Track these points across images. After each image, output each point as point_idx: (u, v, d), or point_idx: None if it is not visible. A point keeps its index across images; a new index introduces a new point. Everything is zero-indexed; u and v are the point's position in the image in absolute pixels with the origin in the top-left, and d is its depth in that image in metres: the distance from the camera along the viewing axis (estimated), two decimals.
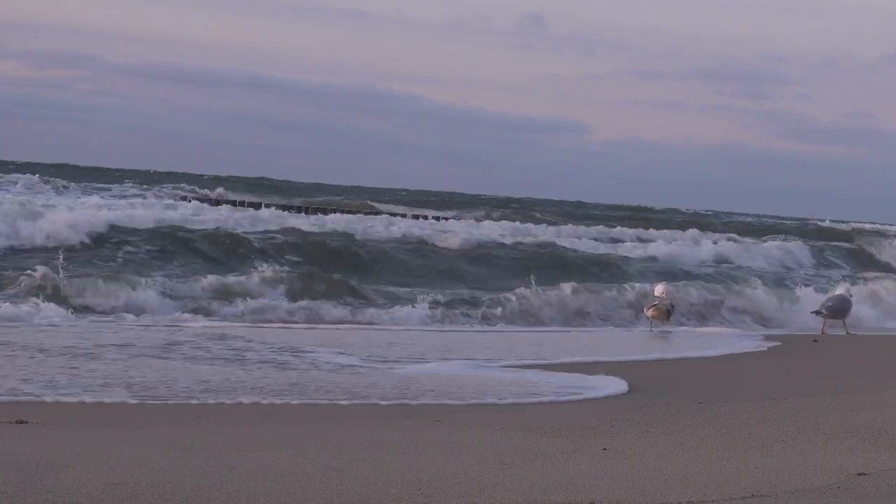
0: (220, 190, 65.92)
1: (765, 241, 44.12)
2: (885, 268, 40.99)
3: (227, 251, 27.91)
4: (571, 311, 23.50)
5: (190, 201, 51.16)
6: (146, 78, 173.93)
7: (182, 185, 67.87)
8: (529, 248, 34.38)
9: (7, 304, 18.60)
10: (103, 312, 19.66)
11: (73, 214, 28.76)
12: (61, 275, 20.81)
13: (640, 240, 43.65)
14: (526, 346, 17.91)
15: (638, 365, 15.43)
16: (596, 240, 42.40)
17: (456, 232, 36.54)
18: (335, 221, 38.43)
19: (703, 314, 24.82)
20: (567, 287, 24.15)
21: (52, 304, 19.01)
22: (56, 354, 13.79)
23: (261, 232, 31.95)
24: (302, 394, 11.64)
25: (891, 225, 71.08)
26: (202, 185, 68.93)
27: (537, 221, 50.04)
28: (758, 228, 59.49)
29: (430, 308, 21.95)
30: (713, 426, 9.20)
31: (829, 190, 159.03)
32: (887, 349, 19.79)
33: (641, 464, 7.58)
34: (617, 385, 12.83)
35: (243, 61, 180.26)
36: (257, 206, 49.16)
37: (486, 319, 22.12)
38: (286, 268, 24.86)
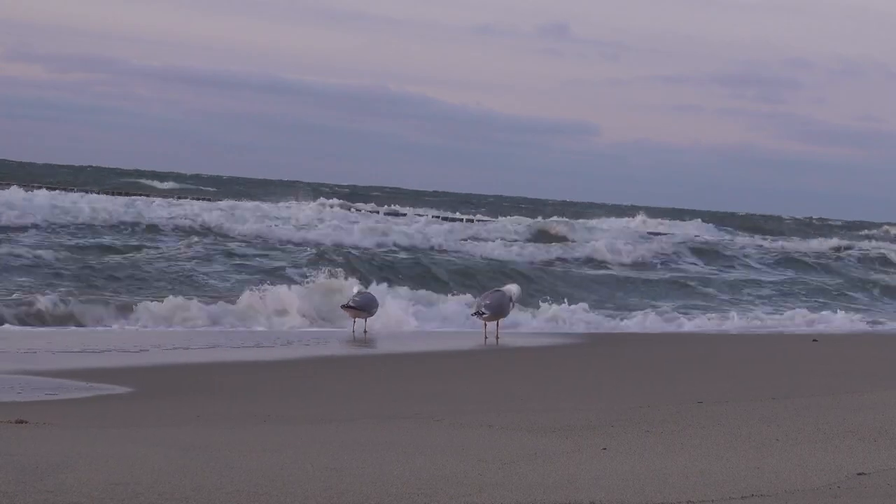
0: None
1: None
2: None
3: None
4: None
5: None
6: (163, 80, 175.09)
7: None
8: None
9: None
10: None
11: None
12: None
13: None
14: None
15: None
16: None
17: None
18: None
19: None
20: None
21: None
22: None
23: None
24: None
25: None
26: (221, 186, 69.03)
27: None
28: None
29: None
30: (713, 426, 9.19)
31: (831, 190, 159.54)
32: (887, 349, 19.79)
33: (641, 463, 7.58)
34: None
35: (256, 64, 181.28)
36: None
37: None
38: None
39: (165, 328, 19.57)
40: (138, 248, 31.12)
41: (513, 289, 18.88)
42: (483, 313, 18.43)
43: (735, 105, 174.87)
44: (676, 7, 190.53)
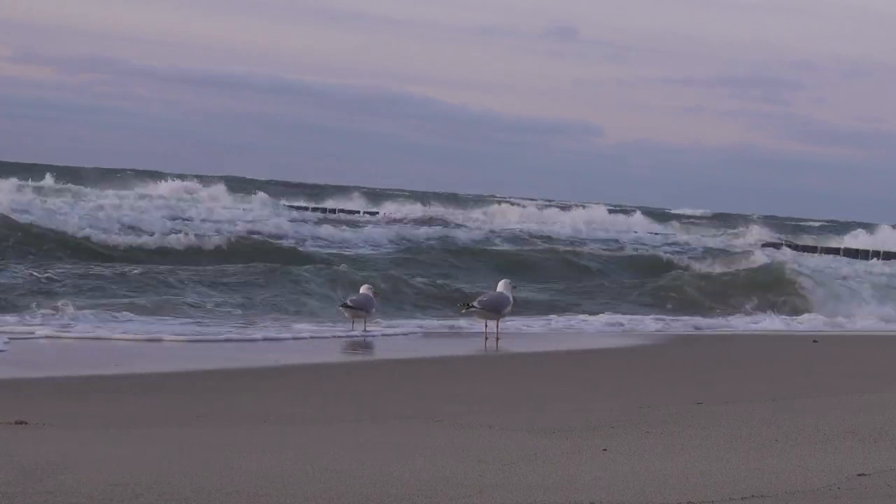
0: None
1: None
2: None
3: None
4: None
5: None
6: (163, 80, 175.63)
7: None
8: None
9: None
10: None
11: None
12: None
13: None
14: None
15: None
16: None
17: None
18: None
19: None
20: None
21: None
22: None
23: None
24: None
25: None
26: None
27: None
28: None
29: None
30: (713, 427, 9.19)
31: (831, 190, 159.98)
32: (887, 350, 19.80)
33: (641, 464, 7.58)
34: None
35: (256, 64, 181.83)
36: None
37: None
38: None
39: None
40: None
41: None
42: (474, 306, 18.22)
43: (736, 105, 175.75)
44: (678, 8, 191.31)
